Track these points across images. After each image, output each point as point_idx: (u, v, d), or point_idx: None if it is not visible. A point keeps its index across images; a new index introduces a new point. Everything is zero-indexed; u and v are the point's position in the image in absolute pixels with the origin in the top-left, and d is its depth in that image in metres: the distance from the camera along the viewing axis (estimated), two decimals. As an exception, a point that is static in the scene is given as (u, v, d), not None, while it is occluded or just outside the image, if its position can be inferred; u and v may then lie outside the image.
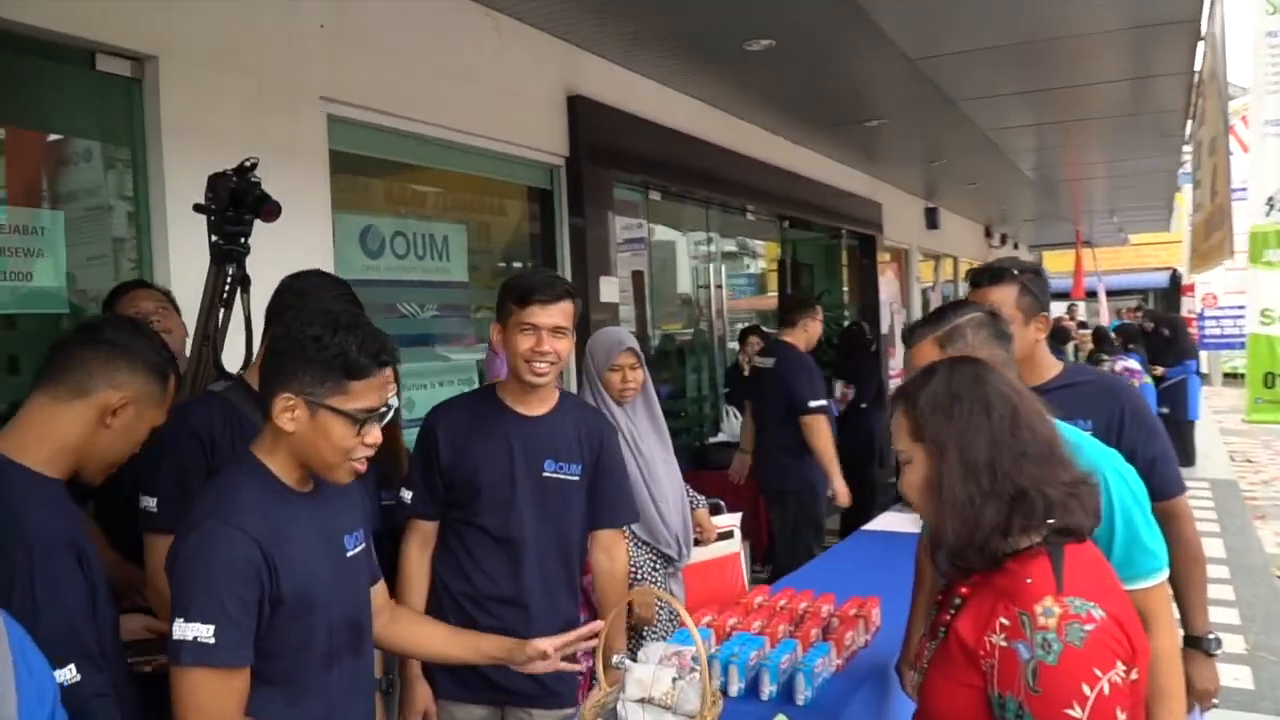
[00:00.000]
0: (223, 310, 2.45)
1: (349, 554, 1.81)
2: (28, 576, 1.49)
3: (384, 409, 1.70)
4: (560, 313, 2.29)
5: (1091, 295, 17.20)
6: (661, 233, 7.82)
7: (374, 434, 1.70)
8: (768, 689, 2.29)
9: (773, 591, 2.97)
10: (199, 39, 3.27)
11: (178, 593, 1.56)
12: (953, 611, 1.49)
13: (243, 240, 2.47)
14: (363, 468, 1.72)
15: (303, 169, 3.72)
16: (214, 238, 2.46)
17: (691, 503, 3.45)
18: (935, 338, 1.92)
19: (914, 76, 5.89)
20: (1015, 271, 2.29)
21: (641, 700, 1.95)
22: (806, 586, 2.98)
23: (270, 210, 2.39)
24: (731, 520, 3.79)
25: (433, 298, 4.78)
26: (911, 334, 1.99)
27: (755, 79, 6.02)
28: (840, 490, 4.84)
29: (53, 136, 3.26)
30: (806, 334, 5.16)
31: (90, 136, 3.27)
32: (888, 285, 10.53)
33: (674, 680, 1.96)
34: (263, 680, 1.63)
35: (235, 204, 2.42)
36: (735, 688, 2.31)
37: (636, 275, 7.34)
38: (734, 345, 7.76)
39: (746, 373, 6.83)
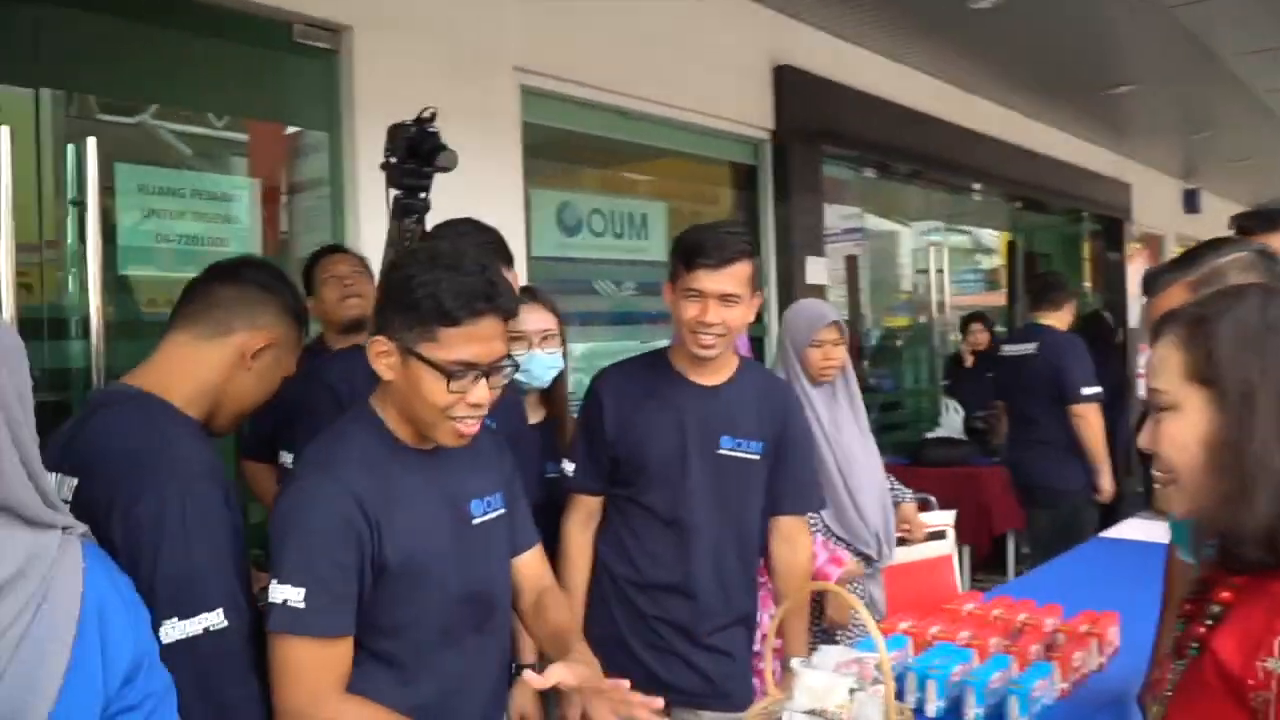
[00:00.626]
0: None
1: (476, 520, 1.62)
2: (179, 511, 1.39)
3: (491, 365, 1.49)
4: (731, 278, 1.99)
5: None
6: (878, 220, 7.42)
7: (478, 392, 1.49)
8: (972, 711, 1.94)
9: (986, 598, 2.59)
10: (392, 8, 3.26)
11: (275, 551, 1.44)
12: (1208, 623, 1.12)
13: (422, 195, 2.34)
14: (471, 430, 1.52)
15: (496, 141, 3.67)
16: (394, 192, 2.34)
17: (896, 497, 3.11)
18: (1188, 282, 1.51)
19: (1170, 28, 5.19)
20: None
21: (811, 712, 1.67)
22: (1028, 596, 2.57)
23: (445, 161, 2.29)
24: (944, 519, 3.41)
25: (631, 276, 4.64)
26: (1156, 279, 1.59)
27: (982, 42, 5.51)
28: (1107, 487, 4.38)
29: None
30: (1070, 317, 4.69)
31: (288, 109, 3.33)
32: (1137, 276, 9.52)
33: (851, 691, 1.67)
34: (370, 656, 1.48)
35: (412, 154, 2.32)
36: (933, 706, 1.98)
37: (850, 259, 6.98)
38: (955, 337, 7.22)
39: (969, 363, 6.34)
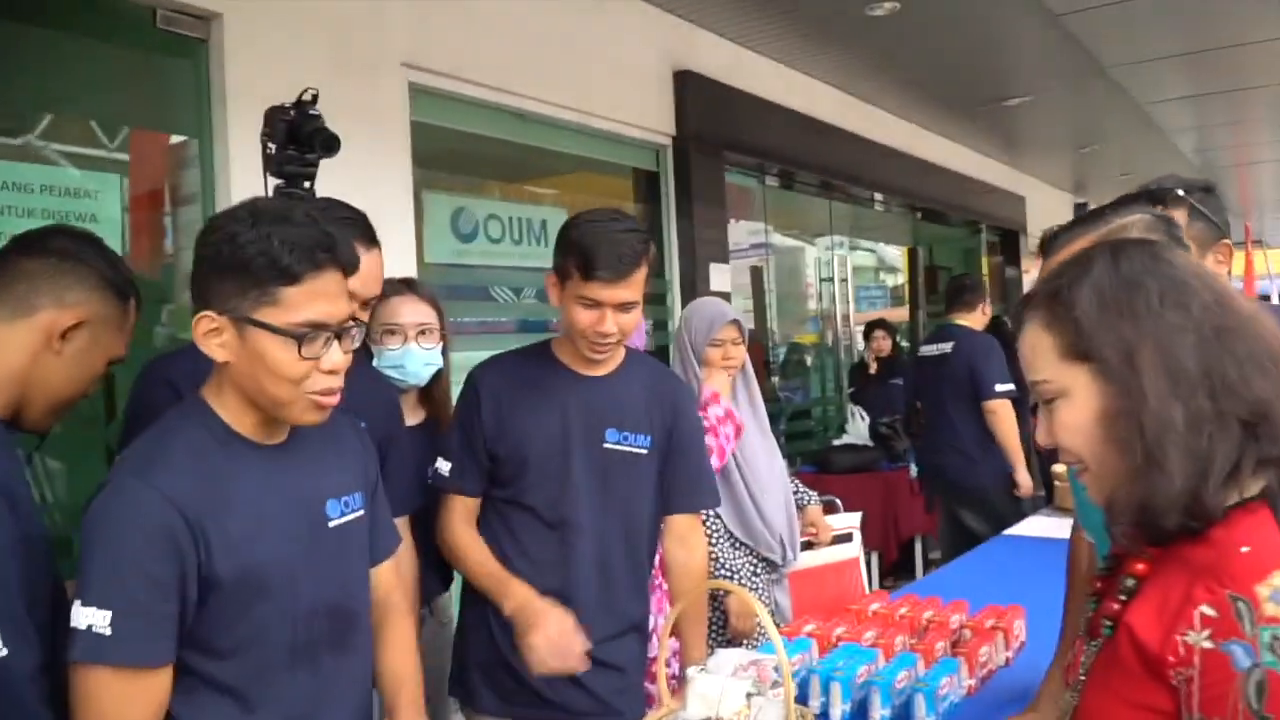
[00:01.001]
0: None
1: (332, 523, 1.44)
2: None
3: (340, 326, 1.33)
4: (629, 287, 1.88)
5: (1265, 300, 15.73)
6: (783, 238, 7.42)
7: (332, 356, 1.33)
8: (878, 713, 1.85)
9: (892, 598, 2.52)
10: (266, -5, 3.08)
11: (80, 568, 1.25)
12: (1122, 599, 1.03)
13: (306, 184, 2.21)
14: (331, 401, 1.36)
15: (384, 141, 3.49)
16: (275, 181, 2.20)
17: (801, 499, 3.04)
18: (1090, 240, 1.44)
19: (1059, 37, 5.29)
20: (1180, 192, 1.78)
21: None
22: (934, 594, 2.50)
23: (325, 144, 2.15)
24: (850, 521, 3.35)
25: (530, 283, 4.49)
26: (1056, 239, 1.52)
27: (880, 51, 5.56)
28: (1024, 481, 4.48)
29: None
30: (984, 317, 4.84)
31: (151, 110, 3.11)
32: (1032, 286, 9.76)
33: (749, 696, 1.55)
34: (202, 683, 1.31)
35: (293, 140, 2.18)
36: (837, 710, 1.88)
37: (755, 270, 6.96)
38: (860, 347, 7.27)
39: (873, 370, 6.37)
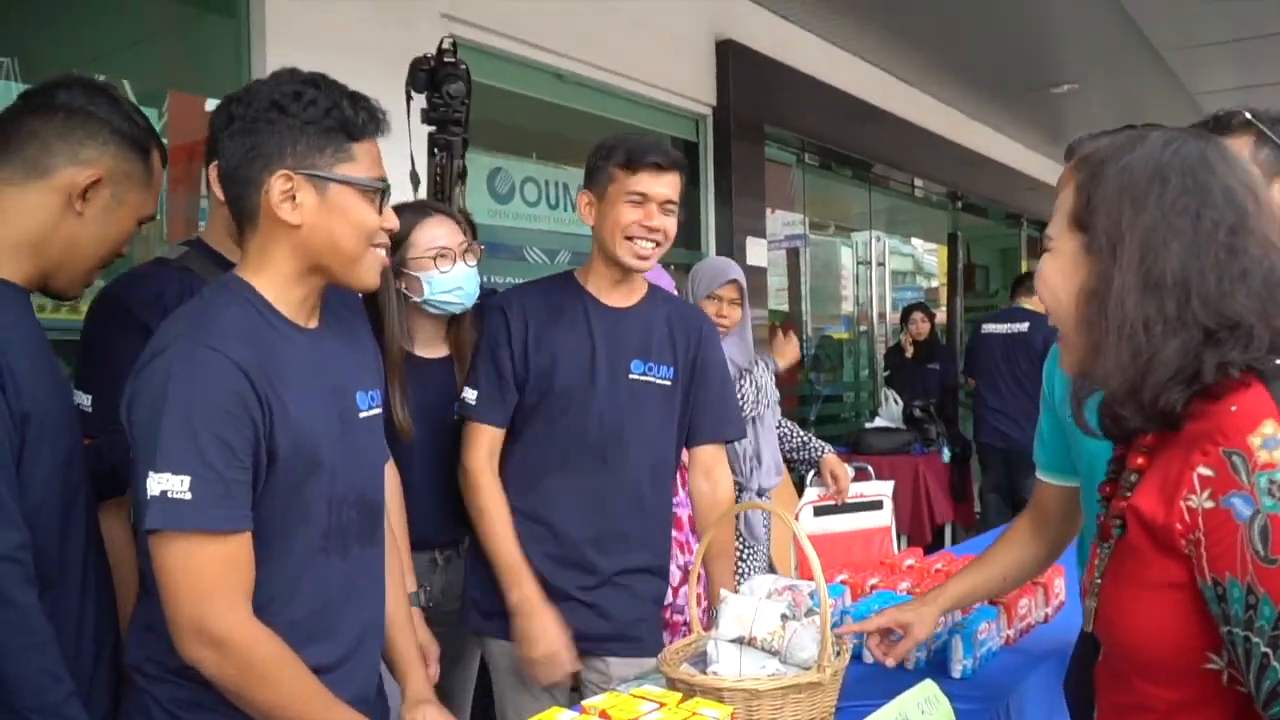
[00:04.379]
0: None
1: (362, 414, 1.41)
2: None
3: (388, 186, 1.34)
4: (673, 184, 1.89)
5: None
6: (820, 231, 7.32)
7: (391, 214, 1.34)
8: (914, 658, 1.78)
9: (928, 556, 2.45)
10: (310, -64, 3.05)
11: (142, 438, 1.20)
12: (1127, 494, 1.02)
13: (454, 127, 2.44)
14: (387, 261, 1.38)
15: (420, 98, 3.44)
16: (428, 128, 2.44)
17: (814, 450, 3.06)
18: None
19: (1115, 20, 5.17)
20: (1248, 116, 1.70)
21: (739, 640, 1.50)
22: (971, 554, 2.43)
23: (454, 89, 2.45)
24: (881, 489, 3.27)
25: (564, 247, 4.45)
26: (1082, 143, 1.46)
27: (925, 31, 5.48)
28: None
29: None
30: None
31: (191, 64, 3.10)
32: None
33: (783, 619, 1.49)
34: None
35: (434, 87, 2.44)
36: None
37: (792, 252, 6.88)
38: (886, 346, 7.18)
39: (909, 354, 6.29)
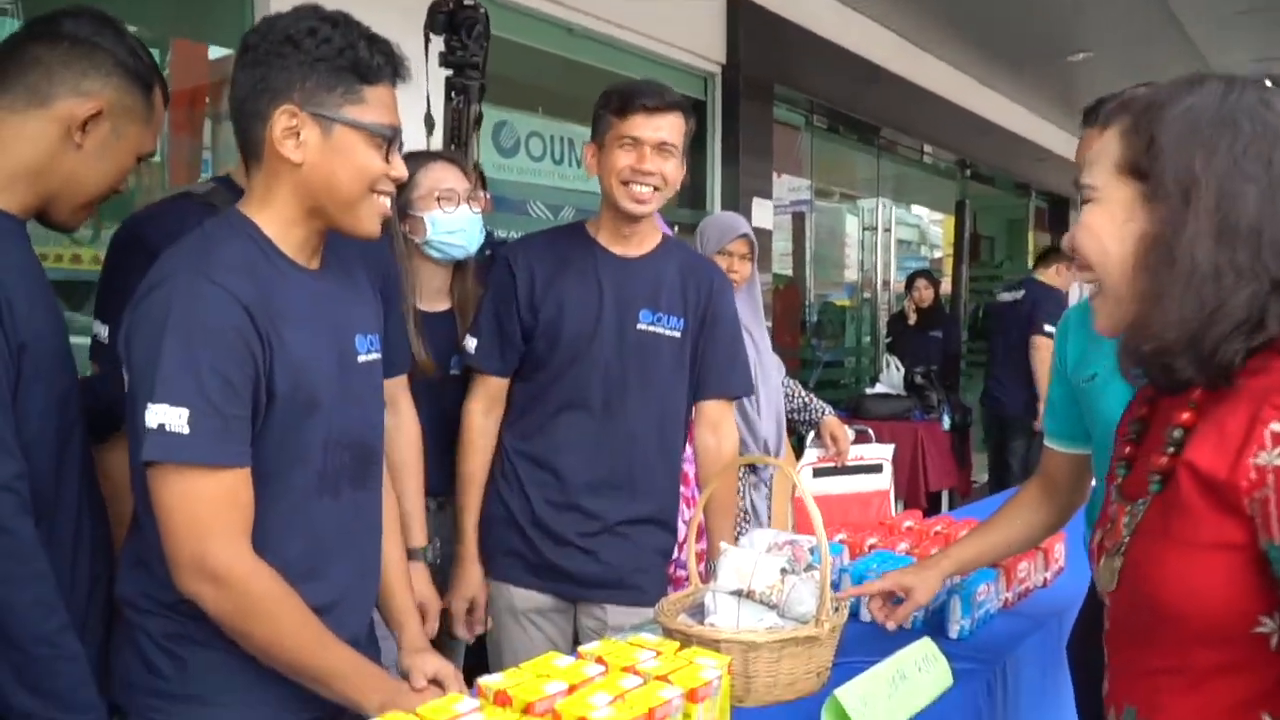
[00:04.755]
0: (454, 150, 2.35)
1: (361, 358, 1.40)
2: None
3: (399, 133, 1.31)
4: (669, 126, 1.86)
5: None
6: (826, 197, 7.27)
7: (399, 163, 1.31)
8: (912, 617, 1.77)
9: (927, 519, 2.44)
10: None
11: (141, 369, 1.19)
12: (1170, 451, 0.98)
13: (473, 71, 2.41)
14: (389, 213, 1.34)
15: (421, 45, 3.39)
16: (446, 71, 2.42)
17: (815, 411, 3.04)
18: None
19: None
20: (1268, 83, 1.67)
21: (738, 593, 1.49)
22: (971, 519, 2.42)
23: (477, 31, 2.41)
24: (881, 452, 3.27)
25: (568, 203, 4.38)
26: (1104, 102, 1.42)
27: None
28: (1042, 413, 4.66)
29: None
30: (1059, 277, 5.26)
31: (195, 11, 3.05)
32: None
33: (782, 573, 1.49)
34: None
35: (453, 29, 2.40)
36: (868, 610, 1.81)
37: (798, 217, 6.83)
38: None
39: (912, 321, 6.28)
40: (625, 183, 1.86)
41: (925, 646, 1.59)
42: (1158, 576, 0.96)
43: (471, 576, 1.97)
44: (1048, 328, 4.82)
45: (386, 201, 1.33)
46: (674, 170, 1.89)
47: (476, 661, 2.20)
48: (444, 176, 2.00)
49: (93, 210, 1.41)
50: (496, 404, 1.99)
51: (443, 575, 2.00)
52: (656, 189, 1.88)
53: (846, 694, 1.40)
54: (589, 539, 1.92)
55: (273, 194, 1.29)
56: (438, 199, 1.97)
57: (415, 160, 1.94)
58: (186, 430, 1.16)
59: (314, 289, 1.33)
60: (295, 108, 1.23)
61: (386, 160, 1.29)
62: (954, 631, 1.77)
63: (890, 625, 1.67)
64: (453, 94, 2.48)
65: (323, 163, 1.26)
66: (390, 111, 1.30)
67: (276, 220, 1.30)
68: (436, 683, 1.46)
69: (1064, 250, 1.16)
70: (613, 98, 1.88)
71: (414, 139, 1.97)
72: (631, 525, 1.94)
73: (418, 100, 2.34)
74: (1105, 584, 1.06)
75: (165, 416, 1.15)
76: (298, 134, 1.24)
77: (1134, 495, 1.03)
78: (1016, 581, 1.98)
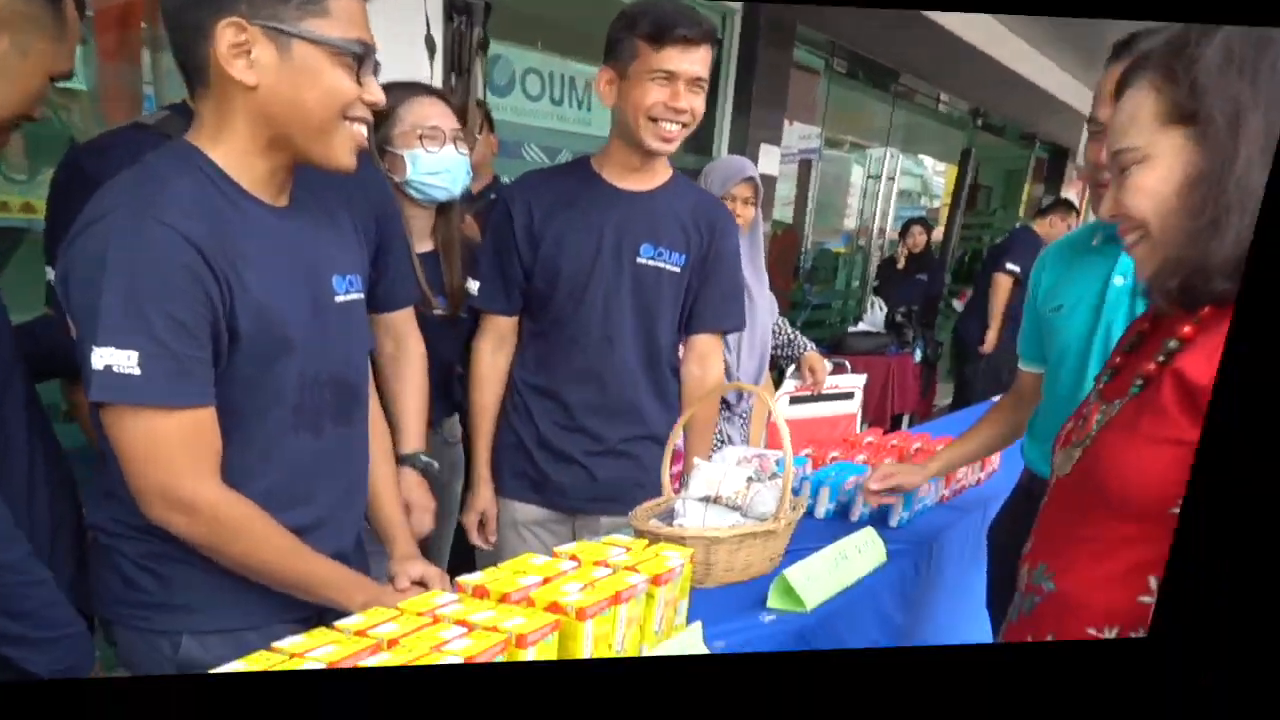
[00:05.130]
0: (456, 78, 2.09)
1: (339, 298, 1.31)
2: None
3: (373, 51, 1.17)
4: (704, 59, 1.78)
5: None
6: (835, 146, 7.20)
7: (374, 85, 1.17)
8: (859, 511, 2.12)
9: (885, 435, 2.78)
10: None
11: (82, 314, 1.10)
12: (1161, 359, 1.06)
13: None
14: (364, 142, 1.21)
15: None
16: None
17: (798, 346, 3.17)
18: None
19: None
20: None
21: (706, 499, 1.70)
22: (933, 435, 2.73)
23: None
24: (854, 381, 3.59)
25: (566, 146, 4.18)
26: (1137, 36, 1.42)
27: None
28: (989, 340, 5.51)
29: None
30: (1050, 229, 5.57)
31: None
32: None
33: (748, 481, 1.73)
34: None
35: None
36: (823, 509, 2.14)
37: (804, 164, 6.97)
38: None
39: (901, 265, 6.52)
40: (655, 119, 1.80)
41: (867, 533, 1.88)
42: (1115, 465, 1.05)
43: (483, 494, 2.07)
44: (1009, 265, 5.44)
45: (362, 130, 1.19)
46: (701, 106, 1.82)
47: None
48: (429, 113, 1.91)
49: (4, 139, 1.27)
50: (505, 342, 2.03)
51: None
52: (685, 125, 1.83)
53: (793, 571, 1.59)
54: (592, 458, 1.99)
55: (226, 122, 1.15)
56: (420, 137, 1.89)
57: (397, 92, 1.86)
58: (138, 371, 1.09)
59: (280, 227, 1.22)
60: (243, 20, 1.08)
61: (359, 82, 1.15)
62: (894, 521, 2.10)
63: (874, 501, 2.01)
64: (454, 14, 2.29)
65: (283, 86, 1.11)
66: (359, 24, 1.14)
67: (232, 152, 1.16)
68: (422, 585, 1.45)
69: (1102, 219, 1.18)
70: (642, 21, 1.75)
71: (409, 67, 1.70)
72: (631, 442, 2.02)
73: (416, 21, 2.22)
74: (1059, 469, 1.16)
75: (113, 358, 1.08)
76: (248, 51, 1.09)
77: (1112, 397, 1.11)
78: (955, 479, 2.34)
